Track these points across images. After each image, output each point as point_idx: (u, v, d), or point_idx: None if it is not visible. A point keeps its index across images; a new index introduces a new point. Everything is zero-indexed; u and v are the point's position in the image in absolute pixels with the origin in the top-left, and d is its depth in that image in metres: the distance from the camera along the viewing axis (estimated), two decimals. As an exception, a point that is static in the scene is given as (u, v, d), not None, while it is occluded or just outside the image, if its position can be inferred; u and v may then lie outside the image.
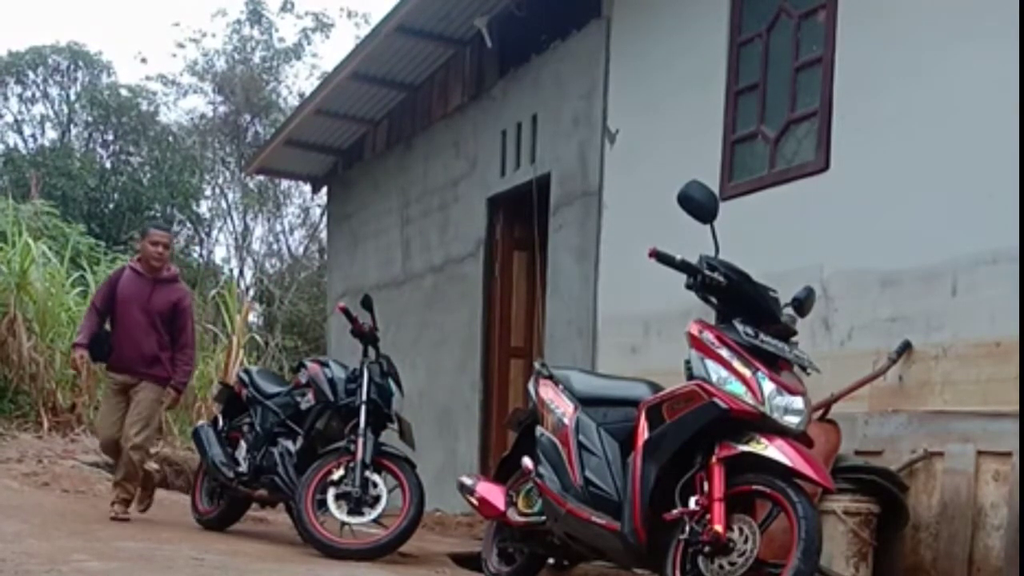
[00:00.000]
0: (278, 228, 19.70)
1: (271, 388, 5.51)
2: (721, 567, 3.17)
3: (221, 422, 5.73)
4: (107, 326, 5.62)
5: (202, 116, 19.40)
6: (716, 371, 3.33)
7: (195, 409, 9.70)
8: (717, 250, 3.47)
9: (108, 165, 18.42)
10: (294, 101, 17.48)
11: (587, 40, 6.37)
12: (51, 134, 19.26)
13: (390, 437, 5.10)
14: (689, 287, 3.49)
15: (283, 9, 19.10)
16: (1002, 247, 3.73)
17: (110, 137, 18.74)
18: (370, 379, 4.97)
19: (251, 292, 18.16)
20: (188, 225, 19.21)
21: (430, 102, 8.35)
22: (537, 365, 4.37)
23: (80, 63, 18.63)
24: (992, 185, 3.81)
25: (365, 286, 8.40)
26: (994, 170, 3.80)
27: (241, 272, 19.23)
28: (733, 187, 5.08)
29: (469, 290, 7.55)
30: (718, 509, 3.17)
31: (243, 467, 5.33)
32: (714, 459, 3.24)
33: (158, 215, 18.23)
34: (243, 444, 5.45)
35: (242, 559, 4.27)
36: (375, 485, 4.76)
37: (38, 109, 19.19)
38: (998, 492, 3.74)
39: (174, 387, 5.63)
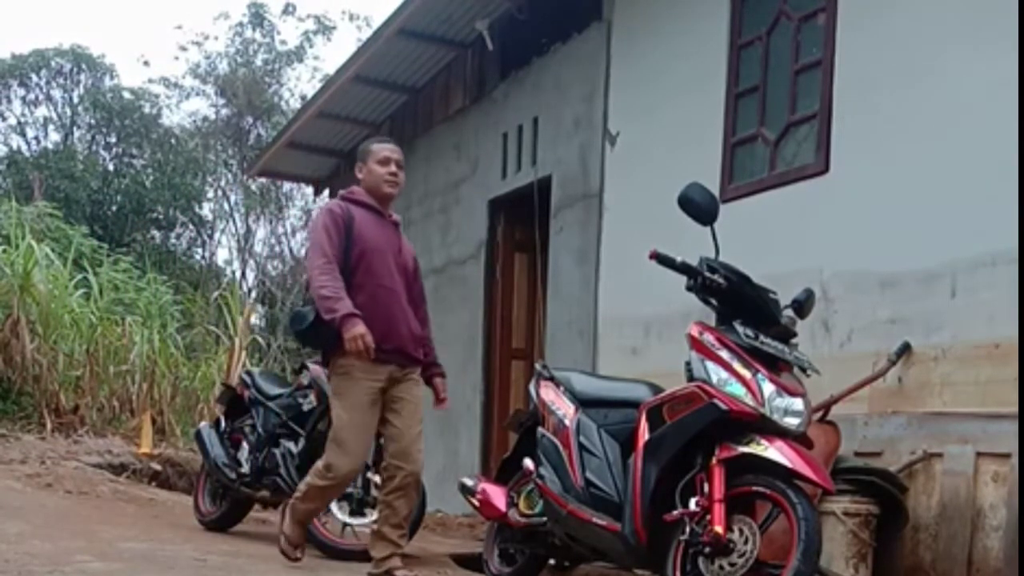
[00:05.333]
0: (280, 230, 19.77)
1: (273, 390, 5.52)
2: (721, 568, 3.17)
3: (223, 423, 5.74)
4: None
5: (204, 119, 19.49)
6: (716, 373, 3.35)
7: (197, 410, 9.72)
8: (717, 252, 3.49)
9: (111, 167, 18.48)
10: (296, 104, 17.54)
11: (588, 43, 6.39)
12: (54, 136, 19.35)
13: (392, 438, 5.10)
14: (689, 289, 3.50)
15: (285, 12, 19.19)
16: (1001, 249, 3.74)
17: (113, 139, 18.81)
18: (372, 381, 4.97)
19: (253, 294, 18.21)
20: (190, 227, 19.25)
21: (431, 105, 8.37)
22: (538, 366, 4.38)
23: (83, 66, 18.70)
24: (991, 187, 3.82)
25: (367, 288, 8.41)
26: (993, 172, 3.82)
27: (243, 274, 19.30)
28: (733, 189, 5.10)
29: (470, 292, 7.57)
30: (718, 510, 3.18)
31: (245, 468, 5.34)
32: (714, 460, 3.25)
33: (161, 217, 18.29)
34: (245, 445, 5.46)
35: (244, 560, 4.29)
36: (376, 486, 4.76)
37: (41, 111, 19.29)
38: (997, 493, 3.76)
39: (442, 375, 4.29)
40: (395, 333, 3.94)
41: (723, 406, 3.25)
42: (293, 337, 4.23)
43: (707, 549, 3.19)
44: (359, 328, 3.73)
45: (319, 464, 3.98)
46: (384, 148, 4.09)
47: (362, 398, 3.87)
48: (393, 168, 4.04)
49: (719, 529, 3.15)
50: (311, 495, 4.03)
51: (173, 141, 18.62)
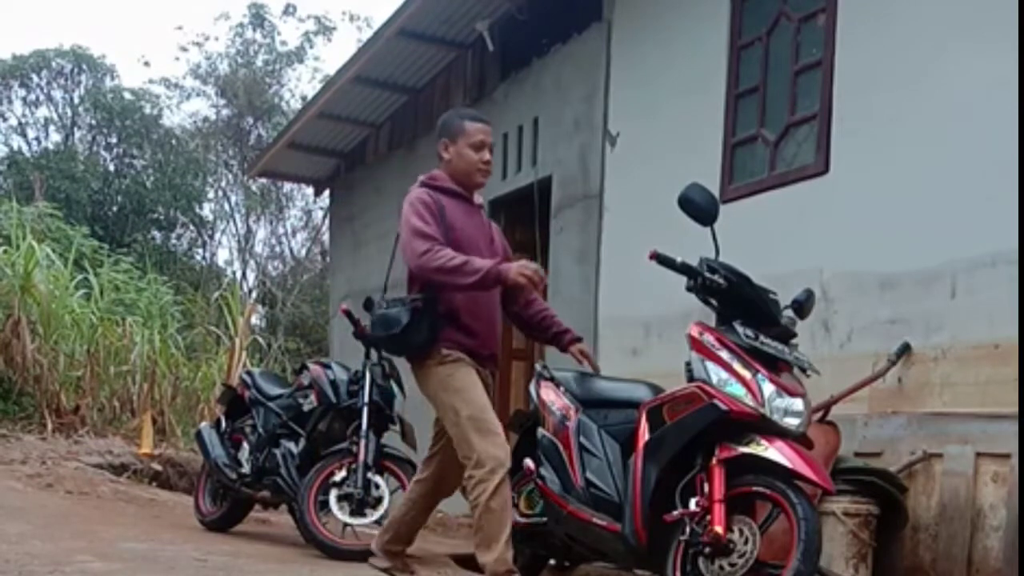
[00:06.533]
0: (280, 231, 19.80)
1: (273, 390, 5.53)
2: (721, 568, 3.17)
3: (224, 423, 5.74)
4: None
5: (205, 119, 19.51)
6: (716, 373, 3.35)
7: (198, 411, 9.73)
8: (717, 252, 3.49)
9: (112, 168, 18.49)
10: (296, 104, 17.56)
11: (588, 43, 6.39)
12: (55, 137, 19.36)
13: (392, 439, 5.12)
14: (689, 289, 3.50)
15: (285, 13, 19.20)
16: (1001, 249, 3.75)
17: (114, 140, 18.81)
18: (372, 381, 4.98)
19: (254, 294, 18.23)
20: (191, 228, 19.27)
21: (432, 105, 8.37)
22: (538, 367, 4.38)
23: (84, 66, 18.71)
24: (991, 188, 3.83)
25: (368, 288, 8.42)
26: (993, 173, 3.83)
27: (244, 274, 19.33)
28: (733, 190, 5.11)
29: (471, 292, 7.56)
30: (718, 510, 3.18)
31: (246, 468, 5.35)
32: (714, 460, 3.25)
33: (161, 218, 18.30)
34: (246, 445, 5.47)
35: (245, 560, 4.29)
36: (377, 486, 4.77)
37: (42, 112, 19.31)
38: (997, 493, 3.76)
39: (580, 339, 3.94)
40: (492, 339, 3.68)
41: (723, 406, 3.25)
42: (382, 344, 3.78)
43: (707, 549, 3.19)
44: (515, 264, 3.44)
45: (472, 472, 3.47)
46: (479, 129, 3.65)
47: (475, 379, 3.56)
48: (487, 155, 3.65)
49: (719, 529, 3.15)
50: (493, 505, 3.44)
51: (174, 142, 18.63)
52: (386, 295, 3.87)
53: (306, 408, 5.23)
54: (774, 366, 3.36)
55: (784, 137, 4.92)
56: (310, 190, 12.47)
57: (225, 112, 19.25)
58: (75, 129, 19.22)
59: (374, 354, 5.17)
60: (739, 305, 3.46)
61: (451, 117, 3.83)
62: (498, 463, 3.45)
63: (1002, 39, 3.78)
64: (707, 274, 3.42)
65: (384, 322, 3.67)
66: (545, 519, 4.01)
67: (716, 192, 4.58)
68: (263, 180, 16.98)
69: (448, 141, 3.72)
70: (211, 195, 19.53)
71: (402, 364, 5.35)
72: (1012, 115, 3.69)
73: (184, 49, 19.50)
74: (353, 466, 4.76)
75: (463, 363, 3.58)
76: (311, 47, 19.18)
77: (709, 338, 3.42)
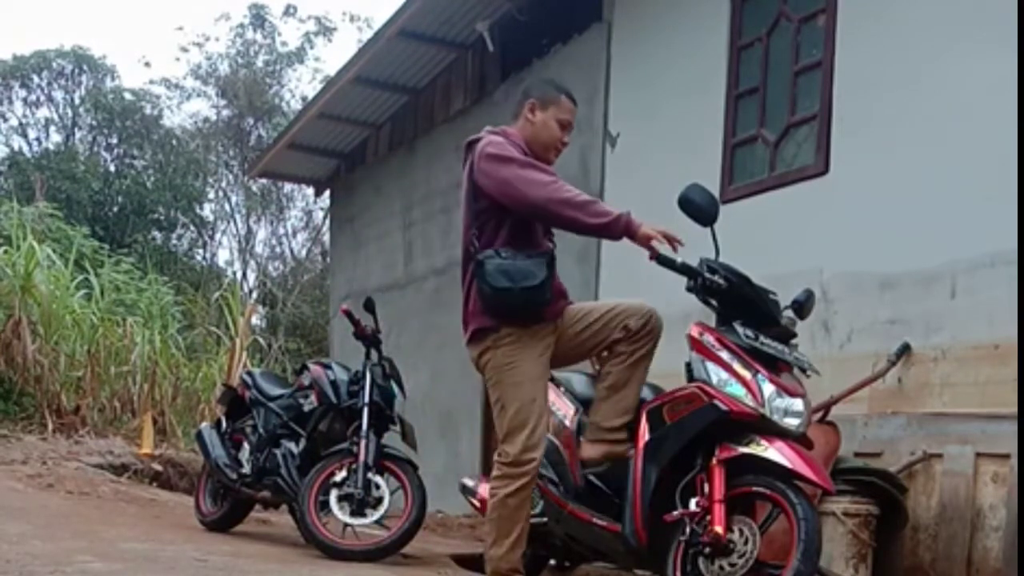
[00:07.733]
0: (281, 231, 19.81)
1: (274, 390, 5.53)
2: (721, 568, 3.17)
3: (224, 424, 5.74)
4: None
5: (205, 120, 19.53)
6: (716, 373, 3.35)
7: (198, 411, 9.74)
8: (717, 253, 3.49)
9: (112, 168, 18.51)
10: (297, 105, 17.57)
11: (588, 44, 6.40)
12: (55, 137, 19.39)
13: (392, 439, 5.12)
14: (689, 290, 3.50)
15: (286, 13, 19.22)
16: (1000, 250, 3.75)
17: (114, 140, 18.84)
18: (372, 381, 4.99)
19: (254, 295, 18.23)
20: (191, 228, 19.28)
21: (432, 106, 8.39)
22: (538, 367, 4.37)
23: (84, 67, 18.74)
24: (990, 188, 3.83)
25: (368, 289, 8.44)
26: (992, 173, 3.83)
27: (244, 275, 19.34)
28: (733, 190, 5.11)
29: (471, 293, 7.56)
30: (718, 510, 3.18)
31: (246, 469, 5.35)
32: (714, 461, 3.25)
33: (162, 218, 18.31)
34: (246, 446, 5.47)
35: (245, 560, 4.29)
36: (377, 487, 4.77)
37: (42, 113, 19.33)
38: (996, 494, 3.77)
39: None
40: (557, 304, 3.48)
41: (723, 407, 3.26)
42: (503, 298, 3.28)
43: (707, 549, 3.19)
44: (647, 224, 3.24)
45: (500, 464, 3.42)
46: (570, 108, 3.46)
47: (535, 369, 3.41)
48: (567, 137, 3.49)
49: (719, 529, 3.15)
50: (510, 501, 3.41)
51: (174, 142, 18.65)
52: (479, 250, 3.38)
53: (306, 408, 5.23)
54: (774, 366, 3.36)
55: (784, 137, 4.93)
56: (310, 190, 12.48)
57: (225, 113, 19.27)
58: (76, 129, 19.24)
59: (374, 354, 5.18)
60: (739, 305, 3.46)
61: (546, 82, 3.65)
62: (530, 467, 3.38)
63: (1002, 39, 3.78)
64: (707, 275, 3.41)
65: (512, 274, 3.30)
66: (545, 519, 4.01)
67: (716, 192, 4.58)
68: (263, 180, 16.99)
69: (538, 104, 3.47)
70: (211, 196, 19.57)
71: (402, 365, 5.40)
72: (1012, 115, 3.70)
73: (185, 50, 19.54)
74: (353, 466, 4.76)
75: (524, 345, 3.38)
76: (311, 48, 19.22)
77: (709, 338, 3.42)
